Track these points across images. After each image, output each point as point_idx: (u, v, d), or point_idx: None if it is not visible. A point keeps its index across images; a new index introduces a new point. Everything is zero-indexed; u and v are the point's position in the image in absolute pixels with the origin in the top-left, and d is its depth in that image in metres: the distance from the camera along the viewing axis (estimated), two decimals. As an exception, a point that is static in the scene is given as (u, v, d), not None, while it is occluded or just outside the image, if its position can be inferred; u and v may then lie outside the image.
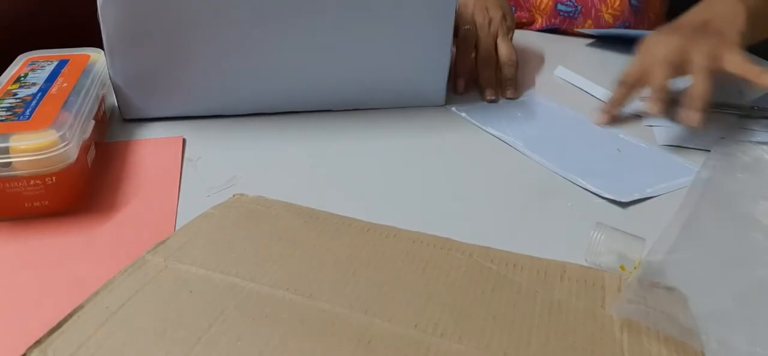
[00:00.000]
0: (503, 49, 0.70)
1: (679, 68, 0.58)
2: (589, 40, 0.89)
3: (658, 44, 0.61)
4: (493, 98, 0.67)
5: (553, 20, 0.93)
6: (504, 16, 0.73)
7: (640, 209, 0.49)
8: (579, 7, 0.92)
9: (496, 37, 0.71)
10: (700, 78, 0.56)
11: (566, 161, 0.56)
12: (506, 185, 0.53)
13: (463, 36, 0.70)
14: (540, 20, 0.94)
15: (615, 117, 0.63)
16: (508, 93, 0.69)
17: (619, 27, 0.92)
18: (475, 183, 0.53)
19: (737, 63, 0.57)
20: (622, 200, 0.50)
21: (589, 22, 0.92)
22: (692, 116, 0.55)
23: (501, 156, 0.57)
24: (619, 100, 0.63)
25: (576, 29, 0.92)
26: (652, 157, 0.58)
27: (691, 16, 0.65)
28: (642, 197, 0.50)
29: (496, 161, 0.56)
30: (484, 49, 0.70)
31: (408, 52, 0.62)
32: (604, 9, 0.91)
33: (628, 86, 0.62)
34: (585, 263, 0.41)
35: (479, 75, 0.69)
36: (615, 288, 0.38)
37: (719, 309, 0.36)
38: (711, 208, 0.46)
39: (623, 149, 0.59)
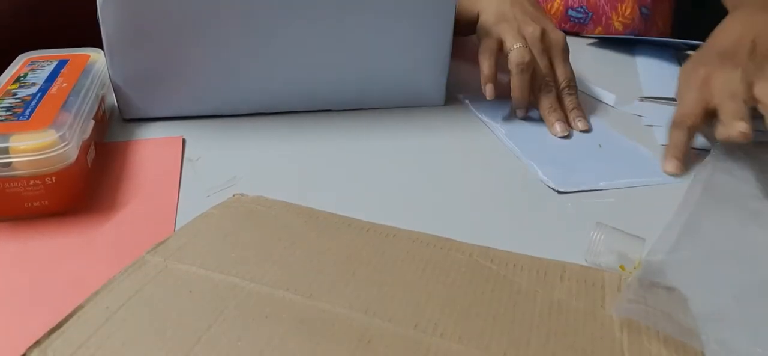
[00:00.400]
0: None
1: (748, 102, 0.53)
2: (592, 40, 0.89)
3: (717, 78, 0.55)
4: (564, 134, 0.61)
5: (563, 25, 0.94)
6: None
7: (641, 209, 0.49)
8: (590, 14, 0.92)
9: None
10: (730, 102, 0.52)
11: (534, 148, 0.57)
12: (506, 185, 0.53)
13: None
14: None
15: (681, 163, 0.55)
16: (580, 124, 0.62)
17: (628, 34, 0.93)
18: (475, 183, 0.53)
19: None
20: (559, 189, 0.51)
21: (600, 28, 0.93)
22: (740, 127, 0.50)
23: (501, 156, 0.57)
24: (683, 145, 0.56)
25: (583, 34, 0.92)
26: (628, 154, 0.58)
27: (734, 38, 0.59)
28: (583, 188, 0.51)
29: (496, 161, 0.56)
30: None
31: (408, 51, 0.62)
32: (614, 17, 0.91)
33: (689, 128, 0.55)
34: (585, 264, 0.41)
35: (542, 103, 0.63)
36: (615, 287, 0.38)
37: (719, 309, 0.36)
38: (711, 208, 0.46)
39: (605, 144, 0.59)
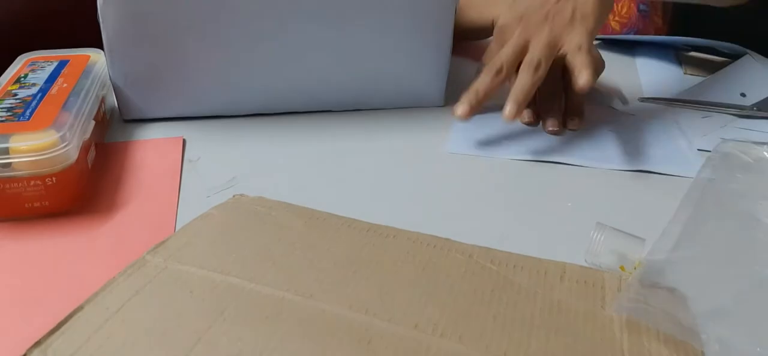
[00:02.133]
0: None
1: (513, 67, 0.53)
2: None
3: (504, 35, 0.55)
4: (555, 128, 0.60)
5: None
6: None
7: (640, 209, 0.49)
8: None
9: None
10: (523, 74, 0.53)
11: (611, 155, 0.56)
12: (506, 185, 0.53)
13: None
14: None
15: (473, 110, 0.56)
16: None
17: (626, 33, 0.92)
18: (475, 183, 0.53)
19: (572, 50, 0.52)
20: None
21: None
22: (507, 109, 0.52)
23: (500, 156, 0.57)
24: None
25: None
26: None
27: None
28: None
29: (495, 160, 0.56)
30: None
31: (408, 52, 0.62)
32: (611, 17, 0.91)
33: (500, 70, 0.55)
34: (585, 264, 0.41)
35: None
36: (615, 288, 0.38)
37: (720, 308, 0.35)
38: (711, 208, 0.46)
39: (651, 137, 0.59)
